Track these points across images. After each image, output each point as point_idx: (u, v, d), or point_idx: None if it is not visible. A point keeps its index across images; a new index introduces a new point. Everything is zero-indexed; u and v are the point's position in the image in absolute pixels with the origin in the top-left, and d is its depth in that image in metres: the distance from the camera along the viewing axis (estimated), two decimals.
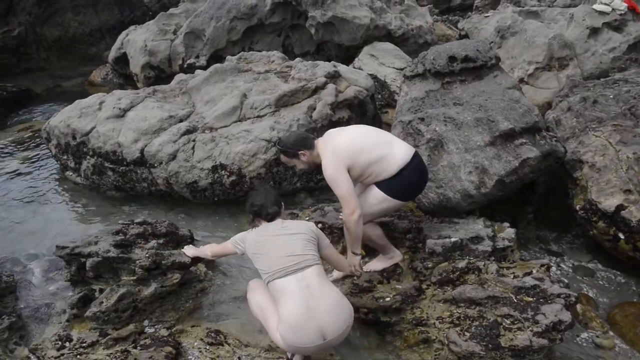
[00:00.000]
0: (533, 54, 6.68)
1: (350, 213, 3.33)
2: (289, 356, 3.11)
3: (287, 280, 2.92)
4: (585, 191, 4.27)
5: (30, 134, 7.20)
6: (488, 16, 8.46)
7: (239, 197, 4.85)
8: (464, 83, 4.70)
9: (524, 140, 4.12)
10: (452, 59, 4.71)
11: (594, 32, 6.55)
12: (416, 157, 3.57)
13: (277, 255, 3.01)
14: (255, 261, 3.12)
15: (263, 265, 3.04)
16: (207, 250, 3.64)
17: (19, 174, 5.99)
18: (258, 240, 3.15)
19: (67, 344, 3.34)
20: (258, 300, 3.16)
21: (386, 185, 3.47)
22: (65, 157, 5.57)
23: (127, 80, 9.24)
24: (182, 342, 3.35)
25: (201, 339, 3.38)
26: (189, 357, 3.24)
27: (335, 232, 4.18)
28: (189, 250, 3.77)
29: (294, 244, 3.05)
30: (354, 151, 3.43)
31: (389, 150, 3.50)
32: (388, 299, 3.52)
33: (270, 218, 3.21)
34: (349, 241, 3.52)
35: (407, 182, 3.51)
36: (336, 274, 3.92)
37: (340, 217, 4.18)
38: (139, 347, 3.25)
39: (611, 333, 3.72)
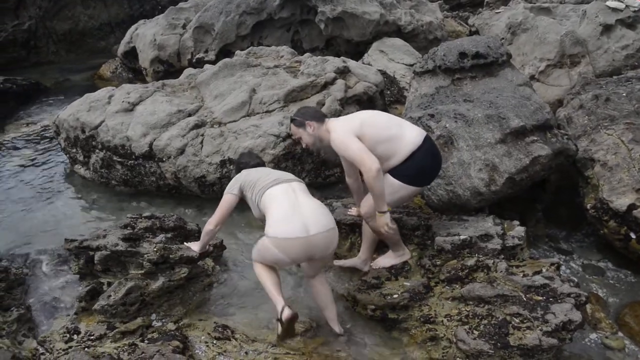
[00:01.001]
0: (544, 50, 6.61)
1: (368, 170, 3.19)
2: (279, 315, 3.09)
3: (276, 188, 3.28)
4: (596, 190, 4.23)
5: (40, 127, 7.24)
6: (499, 12, 8.38)
7: None
8: (474, 79, 4.66)
9: (535, 138, 4.08)
10: (462, 55, 4.66)
11: (607, 29, 6.46)
12: (428, 140, 3.54)
13: (269, 174, 3.44)
14: (250, 188, 3.38)
15: (258, 186, 3.34)
16: (208, 228, 3.51)
17: (28, 168, 6.02)
18: (249, 173, 3.54)
19: (75, 336, 3.35)
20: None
21: (399, 171, 3.45)
22: (74, 150, 5.58)
23: (136, 75, 9.25)
24: (189, 336, 3.36)
25: (208, 333, 3.39)
26: (196, 351, 3.25)
27: (343, 229, 4.16)
28: (195, 246, 3.75)
29: (282, 172, 3.61)
30: (364, 124, 3.41)
31: (400, 131, 3.47)
32: (396, 296, 3.50)
33: (256, 166, 3.70)
34: (375, 201, 3.37)
35: (420, 165, 3.48)
36: (341, 262, 3.96)
37: (349, 212, 4.17)
38: (146, 341, 3.25)
39: (620, 334, 3.68)
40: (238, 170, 3.74)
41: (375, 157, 3.22)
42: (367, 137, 3.35)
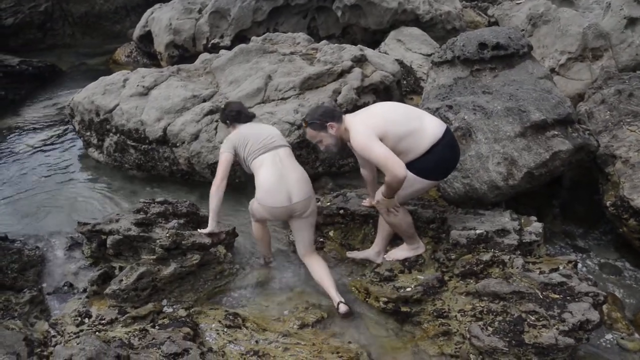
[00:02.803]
0: (566, 43, 6.46)
1: (394, 176, 3.11)
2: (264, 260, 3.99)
3: (265, 156, 3.62)
4: (616, 187, 4.14)
5: (55, 109, 7.24)
6: (520, 3, 8.23)
7: None
8: (493, 71, 4.56)
9: (556, 132, 3.99)
10: (482, 45, 4.56)
11: (632, 22, 6.30)
12: (448, 133, 3.44)
13: (258, 137, 3.70)
14: (242, 149, 3.69)
15: (248, 149, 3.66)
16: (215, 189, 3.62)
17: (42, 150, 6.03)
18: (241, 132, 3.79)
19: (86, 320, 3.36)
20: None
21: (417, 165, 3.35)
22: (88, 133, 5.58)
23: (151, 59, 9.22)
24: (200, 323, 3.34)
25: (219, 321, 3.37)
26: (207, 339, 3.23)
27: (357, 219, 4.12)
28: (206, 230, 3.74)
29: (271, 128, 3.90)
30: (386, 120, 3.30)
31: (420, 124, 3.37)
32: (409, 289, 3.46)
33: (248, 120, 3.92)
34: (385, 192, 3.32)
35: (439, 160, 3.39)
36: (355, 254, 3.93)
37: (363, 203, 4.13)
38: (157, 327, 3.25)
39: (637, 335, 3.60)
40: (226, 119, 3.97)
41: (400, 160, 3.14)
42: (390, 136, 3.26)
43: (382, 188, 3.38)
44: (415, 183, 3.41)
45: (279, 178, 3.54)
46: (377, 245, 3.80)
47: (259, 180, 3.58)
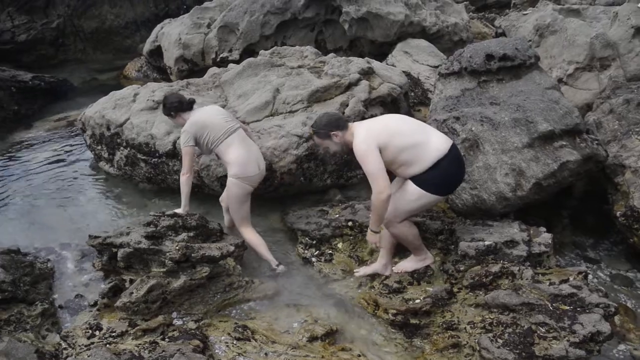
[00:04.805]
0: (573, 53, 6.46)
1: (379, 192, 3.28)
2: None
3: (230, 138, 4.08)
4: (626, 197, 4.11)
5: (66, 124, 7.34)
6: (526, 14, 8.24)
7: (269, 193, 4.84)
8: (501, 82, 4.57)
9: (564, 143, 3.99)
10: (489, 57, 4.58)
11: (639, 31, 6.29)
12: (454, 148, 3.48)
13: (217, 123, 4.11)
14: (201, 138, 4.06)
15: (211, 137, 4.06)
16: (184, 178, 4.07)
17: (55, 164, 6.11)
18: (194, 121, 4.11)
19: (97, 332, 3.38)
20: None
21: (422, 179, 3.40)
22: (99, 147, 5.65)
23: (161, 73, 9.33)
24: (209, 335, 3.36)
25: (228, 334, 3.38)
26: (216, 351, 3.25)
27: (365, 231, 4.11)
28: (179, 210, 4.14)
29: (218, 111, 4.27)
30: (388, 131, 3.40)
31: (425, 138, 3.43)
32: (418, 301, 3.46)
33: (191, 106, 4.24)
34: (372, 219, 3.47)
35: (445, 175, 3.43)
36: (362, 270, 3.91)
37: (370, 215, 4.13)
38: (167, 339, 3.26)
39: None
40: (169, 111, 4.24)
41: (389, 180, 3.31)
42: (393, 146, 3.35)
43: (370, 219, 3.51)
44: (421, 197, 3.45)
45: (248, 152, 4.09)
46: (383, 258, 3.80)
47: (232, 158, 4.03)
